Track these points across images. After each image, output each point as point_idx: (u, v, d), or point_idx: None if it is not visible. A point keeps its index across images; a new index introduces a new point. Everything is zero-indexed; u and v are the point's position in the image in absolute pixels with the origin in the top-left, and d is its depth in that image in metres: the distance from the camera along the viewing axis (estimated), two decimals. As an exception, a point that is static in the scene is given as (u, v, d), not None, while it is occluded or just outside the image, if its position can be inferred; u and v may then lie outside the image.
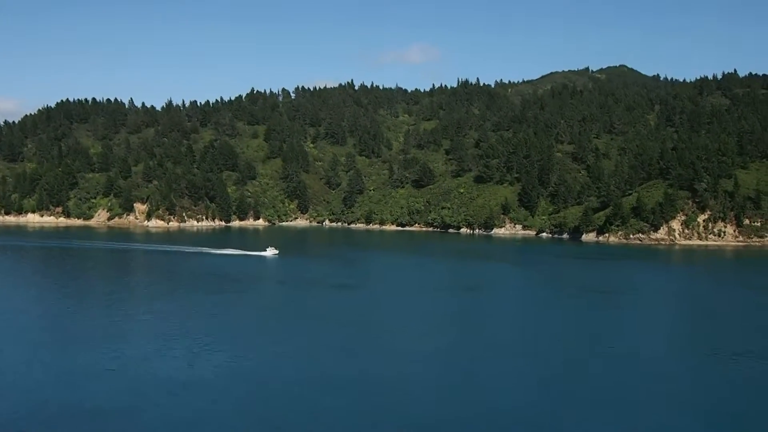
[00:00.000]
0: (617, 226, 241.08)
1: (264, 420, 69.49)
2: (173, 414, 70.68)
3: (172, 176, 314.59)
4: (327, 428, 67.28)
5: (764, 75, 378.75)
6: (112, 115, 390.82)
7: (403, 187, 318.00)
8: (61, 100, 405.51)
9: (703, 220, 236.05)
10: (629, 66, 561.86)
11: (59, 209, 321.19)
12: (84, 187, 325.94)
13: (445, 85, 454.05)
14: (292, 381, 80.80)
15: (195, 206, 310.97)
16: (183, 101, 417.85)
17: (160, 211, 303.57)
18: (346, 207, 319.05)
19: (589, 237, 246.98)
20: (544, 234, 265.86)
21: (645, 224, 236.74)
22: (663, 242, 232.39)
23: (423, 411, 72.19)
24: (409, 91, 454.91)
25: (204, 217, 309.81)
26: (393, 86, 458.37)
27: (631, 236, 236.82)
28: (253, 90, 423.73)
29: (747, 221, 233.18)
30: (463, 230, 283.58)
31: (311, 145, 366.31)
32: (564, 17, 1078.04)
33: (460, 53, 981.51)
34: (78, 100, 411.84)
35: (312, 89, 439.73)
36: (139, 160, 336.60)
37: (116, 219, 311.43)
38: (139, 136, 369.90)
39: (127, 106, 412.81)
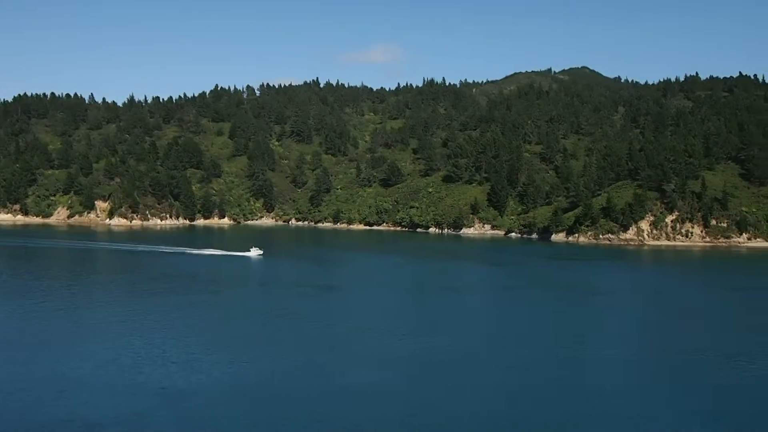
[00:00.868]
0: (587, 226, 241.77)
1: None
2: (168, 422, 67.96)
3: (135, 173, 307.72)
4: None
5: (725, 78, 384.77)
6: (71, 110, 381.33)
7: (370, 186, 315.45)
8: (18, 95, 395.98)
9: (671, 221, 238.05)
10: (591, 68, 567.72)
11: (17, 207, 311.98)
12: (43, 185, 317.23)
13: (411, 84, 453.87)
14: (292, 390, 78.97)
15: (159, 204, 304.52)
16: (145, 97, 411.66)
17: (122, 209, 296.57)
18: (313, 206, 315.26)
19: (558, 237, 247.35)
20: (513, 234, 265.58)
21: (614, 225, 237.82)
22: (632, 242, 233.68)
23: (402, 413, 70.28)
24: (375, 89, 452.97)
25: (168, 216, 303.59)
26: (358, 84, 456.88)
27: (601, 236, 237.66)
28: (217, 87, 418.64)
29: (714, 222, 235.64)
30: (432, 230, 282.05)
31: (277, 143, 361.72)
32: (525, 18, 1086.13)
33: (422, 53, 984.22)
34: (36, 94, 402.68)
35: (277, 87, 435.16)
36: (100, 157, 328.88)
37: (77, 217, 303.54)
38: (100, 132, 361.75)
39: (87, 102, 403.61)
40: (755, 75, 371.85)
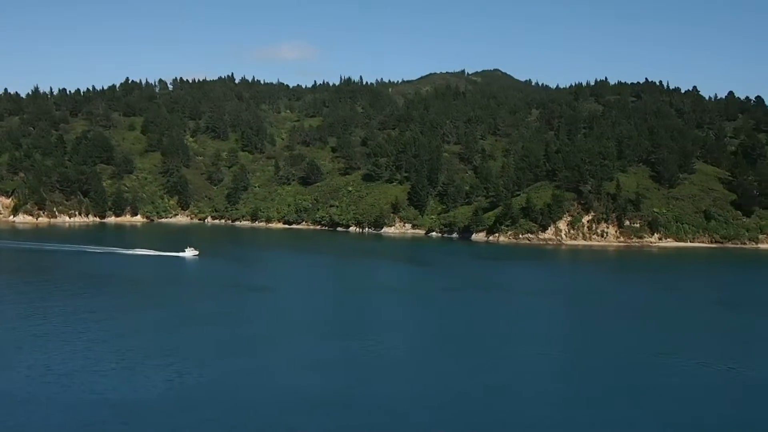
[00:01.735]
0: (507, 226, 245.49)
1: None
2: None
3: (42, 168, 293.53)
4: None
5: (632, 83, 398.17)
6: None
7: (289, 184, 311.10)
8: None
9: (588, 221, 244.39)
10: (503, 70, 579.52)
11: None
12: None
13: (327, 82, 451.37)
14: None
15: (67, 201, 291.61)
16: (51, 89, 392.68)
17: (28, 206, 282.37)
18: (230, 204, 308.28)
19: (479, 236, 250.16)
20: (434, 233, 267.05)
21: (534, 224, 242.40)
22: (551, 242, 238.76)
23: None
24: (291, 86, 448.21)
25: (77, 213, 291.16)
26: (274, 81, 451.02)
27: (521, 236, 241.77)
28: (127, 80, 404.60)
29: (627, 222, 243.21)
30: (353, 229, 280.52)
31: (191, 139, 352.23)
32: (437, 20, 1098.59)
33: (334, 51, 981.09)
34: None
35: (191, 81, 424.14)
36: (2, 151, 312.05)
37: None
38: (2, 124, 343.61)
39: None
40: (660, 81, 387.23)
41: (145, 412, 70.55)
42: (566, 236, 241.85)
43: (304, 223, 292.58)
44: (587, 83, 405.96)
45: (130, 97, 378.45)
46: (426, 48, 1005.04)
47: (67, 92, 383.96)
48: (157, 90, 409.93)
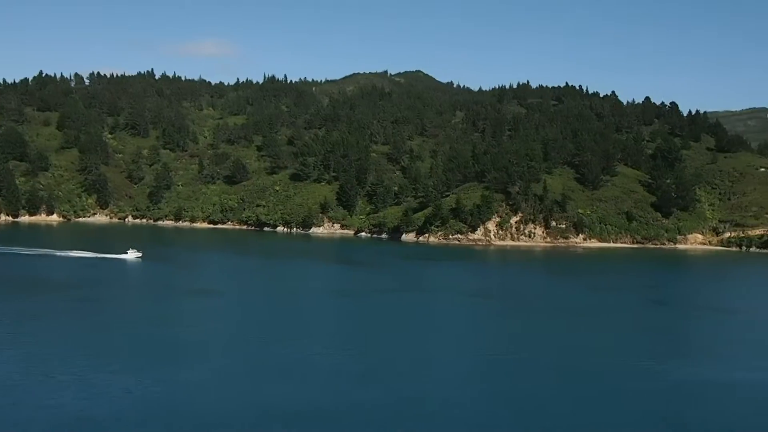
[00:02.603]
0: (437, 226, 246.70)
1: None
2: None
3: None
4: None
5: (553, 87, 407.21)
6: None
7: (214, 183, 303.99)
8: None
9: (516, 222, 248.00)
10: (425, 72, 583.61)
11: None
12: None
13: (251, 80, 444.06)
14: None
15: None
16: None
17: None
18: (152, 203, 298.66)
19: (409, 237, 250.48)
20: (363, 234, 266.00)
21: (463, 225, 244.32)
22: (480, 242, 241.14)
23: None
24: (213, 84, 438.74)
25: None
26: (195, 78, 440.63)
27: (451, 236, 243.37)
28: (41, 73, 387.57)
29: (554, 223, 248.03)
30: (280, 229, 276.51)
31: (110, 136, 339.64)
32: (359, 21, 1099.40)
33: (256, 49, 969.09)
34: None
35: (109, 76, 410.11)
36: None
37: None
38: None
39: None
40: (580, 86, 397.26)
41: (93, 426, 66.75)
42: (495, 237, 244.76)
43: (230, 223, 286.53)
44: (510, 86, 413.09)
45: (44, 92, 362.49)
46: (349, 48, 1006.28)
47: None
48: (72, 84, 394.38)
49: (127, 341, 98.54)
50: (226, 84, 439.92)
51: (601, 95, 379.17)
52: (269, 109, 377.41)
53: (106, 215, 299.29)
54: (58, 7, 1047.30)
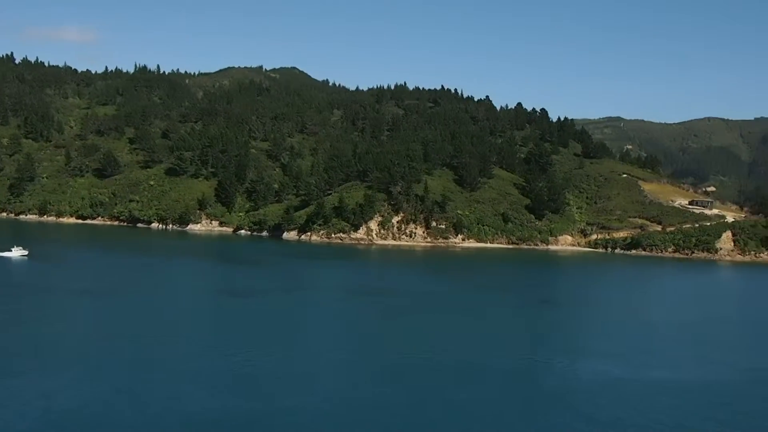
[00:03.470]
0: (319, 225, 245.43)
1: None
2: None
3: None
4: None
5: (430, 90, 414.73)
6: None
7: (83, 176, 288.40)
8: None
9: (397, 222, 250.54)
10: (300, 69, 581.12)
11: None
12: None
13: (121, 69, 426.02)
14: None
15: None
16: None
17: None
18: (13, 196, 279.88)
19: (290, 235, 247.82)
20: (243, 231, 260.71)
21: (346, 224, 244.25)
22: (362, 242, 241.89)
23: None
24: (80, 71, 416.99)
25: None
26: (60, 64, 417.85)
27: (333, 235, 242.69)
28: None
29: (434, 223, 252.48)
30: (155, 225, 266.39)
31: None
32: (235, 15, 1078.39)
33: (125, 38, 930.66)
34: None
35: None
36: None
37: None
38: None
39: None
40: (455, 89, 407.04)
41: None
42: (377, 236, 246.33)
43: (100, 218, 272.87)
44: (388, 87, 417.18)
45: None
46: (223, 41, 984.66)
47: None
48: None
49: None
50: (93, 72, 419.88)
51: (476, 99, 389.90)
52: (141, 100, 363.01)
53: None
54: None
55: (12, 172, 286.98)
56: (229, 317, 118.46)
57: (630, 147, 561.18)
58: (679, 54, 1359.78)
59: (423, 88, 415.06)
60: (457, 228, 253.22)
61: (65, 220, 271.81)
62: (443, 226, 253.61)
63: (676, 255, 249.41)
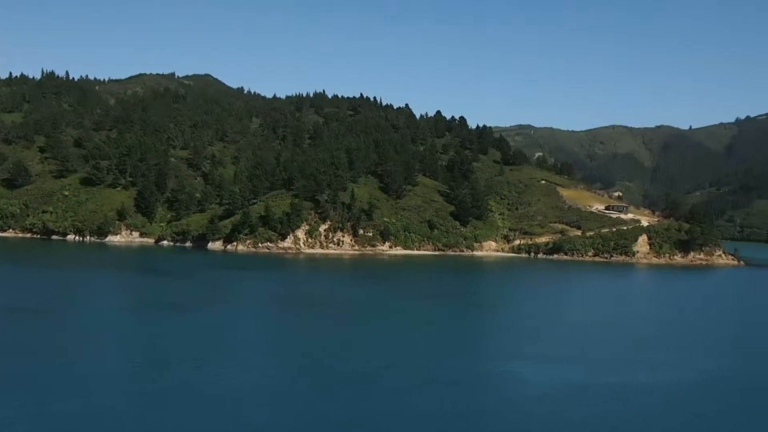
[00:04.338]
0: (246, 234, 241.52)
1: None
2: None
3: None
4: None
5: (349, 98, 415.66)
6: None
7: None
8: None
9: (325, 230, 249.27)
10: (214, 76, 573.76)
11: None
12: None
13: (26, 75, 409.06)
14: None
15: None
16: None
17: None
18: None
19: (215, 245, 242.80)
20: (165, 242, 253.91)
21: (273, 233, 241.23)
22: (290, 251, 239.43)
23: None
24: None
25: None
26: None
27: (260, 245, 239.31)
28: None
29: (362, 231, 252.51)
30: (71, 237, 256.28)
31: None
32: (146, 19, 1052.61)
33: (29, 42, 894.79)
34: None
35: None
36: None
37: None
38: None
39: None
40: (375, 97, 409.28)
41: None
42: (305, 245, 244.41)
43: (11, 230, 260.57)
44: (307, 94, 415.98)
45: None
46: (133, 46, 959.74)
47: None
48: None
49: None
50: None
51: (395, 107, 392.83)
52: (50, 107, 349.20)
53: None
54: None
55: None
56: (155, 332, 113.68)
57: (540, 154, 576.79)
58: (582, 60, 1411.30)
59: (342, 96, 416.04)
60: (384, 235, 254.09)
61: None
62: (370, 234, 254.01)
63: (596, 259, 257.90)
